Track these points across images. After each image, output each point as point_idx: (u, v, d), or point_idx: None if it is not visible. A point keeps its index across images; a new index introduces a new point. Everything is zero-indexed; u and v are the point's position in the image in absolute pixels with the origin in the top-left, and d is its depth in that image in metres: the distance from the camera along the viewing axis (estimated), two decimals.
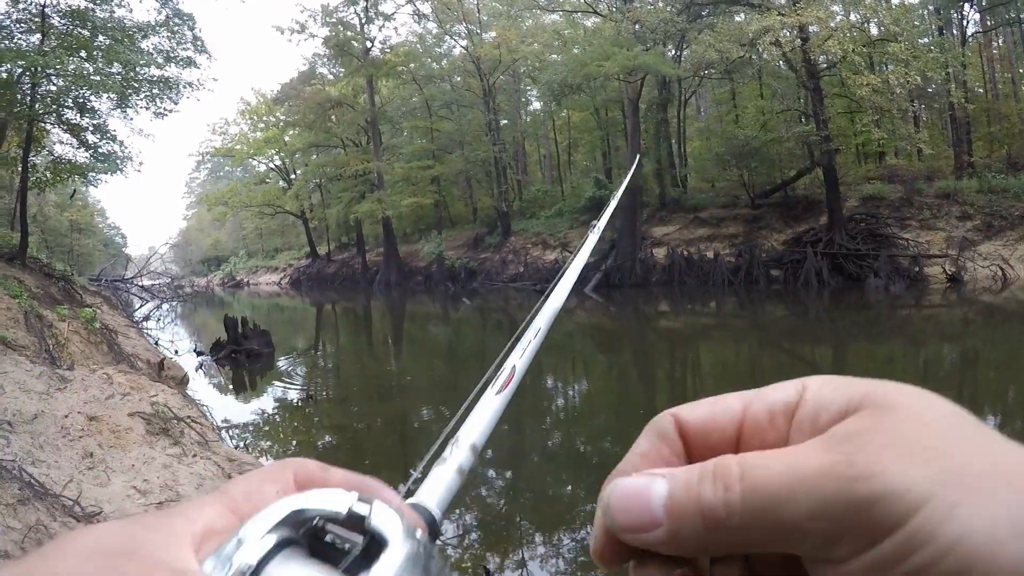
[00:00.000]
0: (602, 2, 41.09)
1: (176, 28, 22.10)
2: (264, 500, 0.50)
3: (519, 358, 0.95)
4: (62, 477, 6.04)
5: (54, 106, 19.33)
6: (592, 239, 1.79)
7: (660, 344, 20.76)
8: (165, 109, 21.87)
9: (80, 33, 19.49)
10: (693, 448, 0.53)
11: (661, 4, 35.90)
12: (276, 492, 0.52)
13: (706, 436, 0.53)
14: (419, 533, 0.49)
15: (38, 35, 19.52)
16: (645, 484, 0.48)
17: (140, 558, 0.41)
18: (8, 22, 20.44)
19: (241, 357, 18.58)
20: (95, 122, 20.34)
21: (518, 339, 1.04)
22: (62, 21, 19.88)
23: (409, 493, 0.60)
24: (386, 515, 0.48)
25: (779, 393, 0.51)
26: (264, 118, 70.78)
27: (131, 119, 23.85)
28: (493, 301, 36.42)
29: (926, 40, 34.76)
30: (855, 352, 17.03)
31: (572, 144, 58.29)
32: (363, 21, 52.93)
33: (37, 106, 18.89)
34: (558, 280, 1.33)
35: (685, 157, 44.53)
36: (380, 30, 54.54)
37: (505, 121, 56.00)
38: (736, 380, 14.93)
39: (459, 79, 55.00)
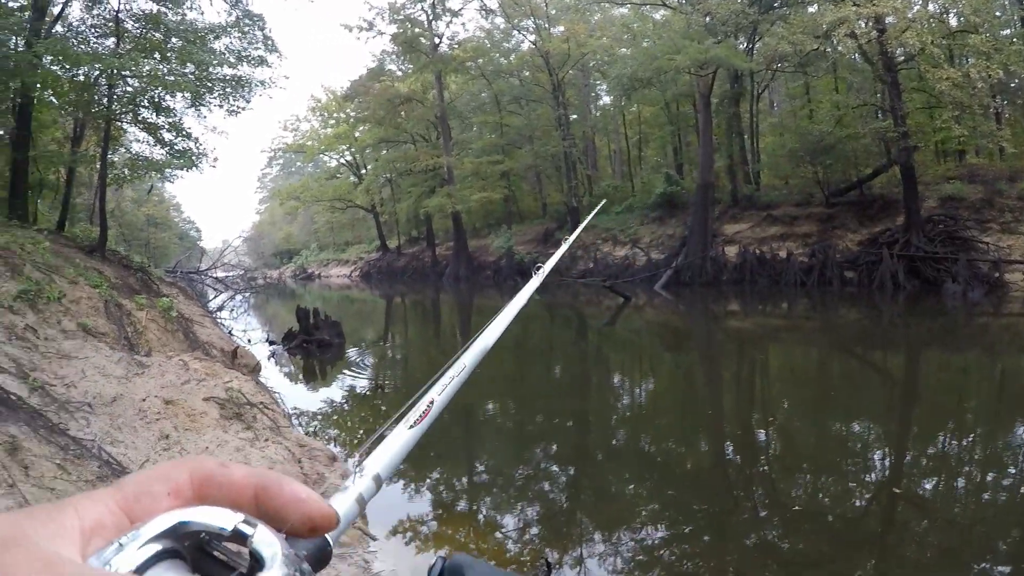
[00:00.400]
0: None
1: (247, 29, 22.41)
2: (154, 501, 0.50)
3: (439, 394, 0.94)
4: (139, 457, 6.23)
5: (130, 106, 19.71)
6: (535, 282, 1.79)
7: (728, 344, 20.61)
8: (238, 107, 22.18)
9: (153, 36, 19.89)
10: None
11: None
12: (167, 494, 0.51)
13: None
14: (302, 561, 0.51)
15: (113, 39, 19.97)
16: None
17: (21, 548, 0.40)
18: (83, 27, 21.02)
19: (312, 347, 18.91)
20: (170, 120, 20.68)
21: (441, 375, 1.02)
22: (135, 25, 20.33)
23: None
24: (267, 538, 0.49)
25: None
26: (334, 114, 71.63)
27: (205, 117, 24.40)
28: (561, 296, 36.44)
29: (1008, 32, 33.67)
30: (929, 360, 16.73)
31: (642, 139, 57.81)
32: (430, 17, 53.19)
33: (114, 106, 19.29)
34: (492, 321, 1.34)
35: (758, 153, 43.79)
36: (448, 26, 54.83)
37: (575, 116, 55.88)
38: (805, 384, 14.80)
39: (528, 74, 54.94)
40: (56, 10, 21.02)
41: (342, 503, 0.65)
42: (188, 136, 20.97)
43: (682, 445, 10.31)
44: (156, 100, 19.66)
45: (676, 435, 10.76)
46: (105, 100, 19.23)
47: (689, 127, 48.59)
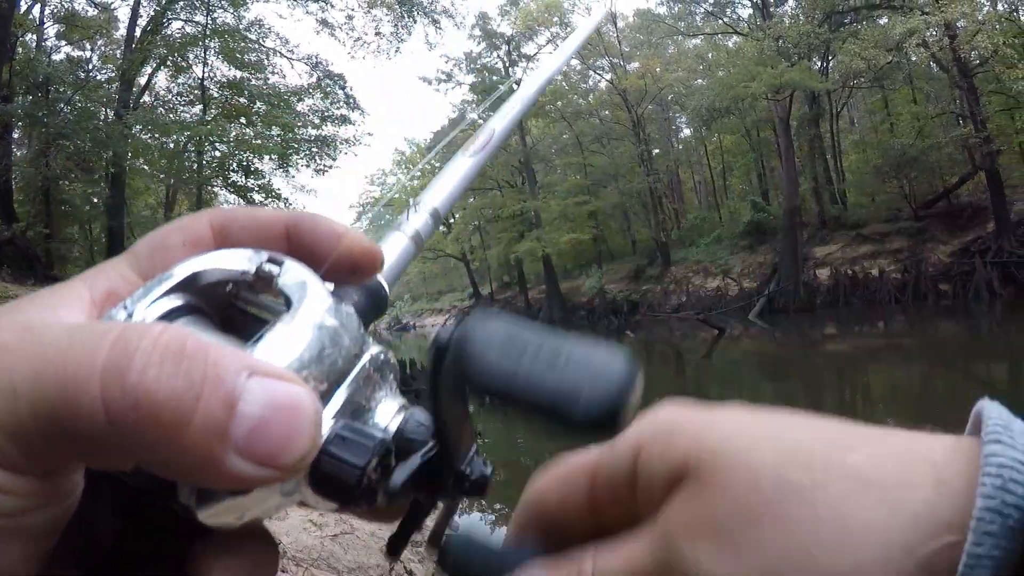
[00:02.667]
0: (742, 21, 40.83)
1: (328, 89, 23.07)
2: (169, 256, 0.46)
3: (500, 123, 0.90)
4: None
5: (220, 170, 20.33)
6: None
7: (828, 369, 20.41)
8: (324, 166, 22.76)
9: (238, 102, 20.62)
10: (554, 522, 0.50)
11: (802, 18, 35.40)
12: (183, 245, 0.47)
13: (564, 510, 0.49)
14: (342, 300, 0.47)
15: (199, 106, 20.74)
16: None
17: (4, 317, 0.37)
18: (170, 96, 21.95)
19: (410, 397, 19.19)
20: (259, 182, 21.30)
21: (501, 103, 0.98)
22: (220, 92, 21.09)
23: None
24: (297, 274, 0.44)
25: (618, 461, 0.46)
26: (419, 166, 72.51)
27: (293, 177, 25.20)
28: (657, 333, 36.30)
29: None
30: None
31: (726, 168, 57.45)
32: (507, 64, 54.14)
33: (204, 171, 19.96)
34: (555, 53, 1.22)
35: (842, 172, 43.38)
36: (524, 72, 55.47)
37: (657, 150, 55.90)
38: (907, 404, 14.63)
39: (607, 112, 55.34)
40: (143, 80, 21.96)
41: (395, 242, 0.62)
42: (278, 196, 21.60)
43: None
44: (244, 163, 20.29)
45: None
46: (195, 166, 19.93)
47: (771, 152, 48.00)
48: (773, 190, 48.67)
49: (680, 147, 60.49)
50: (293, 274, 0.44)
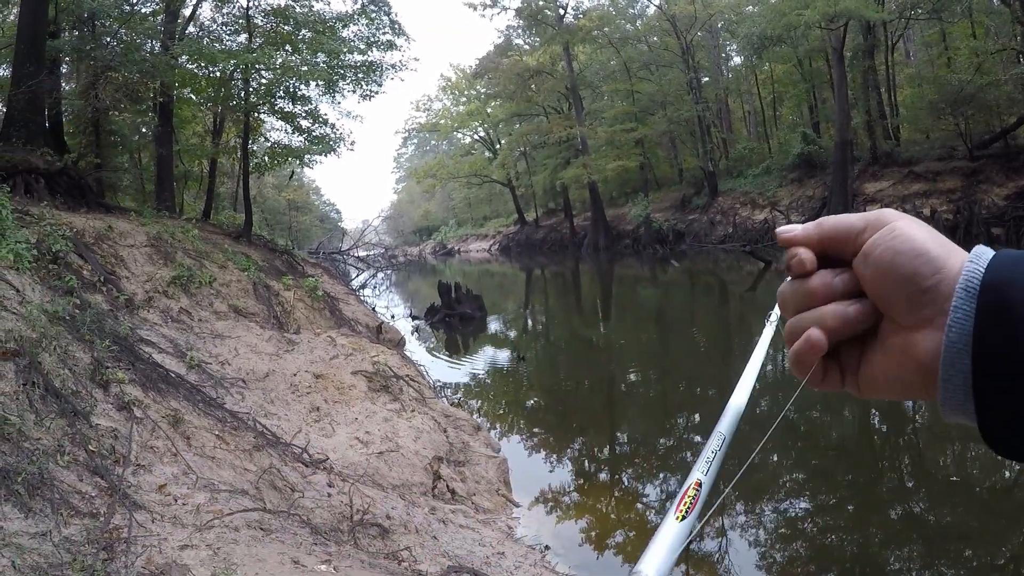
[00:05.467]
0: None
1: (373, 15, 22.85)
2: None
3: (703, 473, 0.83)
4: (291, 428, 6.57)
5: (267, 97, 20.38)
6: (769, 331, 1.68)
7: None
8: (371, 91, 22.69)
9: (283, 29, 20.54)
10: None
11: None
12: None
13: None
14: None
15: (244, 35, 20.71)
16: None
17: None
18: (215, 26, 21.89)
19: (454, 320, 19.31)
20: (306, 109, 21.33)
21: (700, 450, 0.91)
22: (265, 20, 21.02)
23: None
24: None
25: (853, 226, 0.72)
26: (465, 92, 72.43)
27: (339, 103, 24.96)
28: (701, 263, 36.08)
29: None
30: None
31: (776, 98, 56.17)
32: None
33: (251, 98, 20.01)
34: (739, 381, 1.18)
35: (896, 106, 41.92)
36: None
37: (706, 78, 55.00)
38: None
39: (656, 39, 54.30)
40: (188, 12, 21.94)
41: None
42: (324, 122, 21.59)
43: (827, 414, 10.18)
44: (291, 90, 20.28)
45: (822, 405, 10.61)
46: (242, 93, 19.96)
47: (824, 83, 47.01)
48: (824, 123, 47.71)
49: (730, 75, 59.34)
50: None
